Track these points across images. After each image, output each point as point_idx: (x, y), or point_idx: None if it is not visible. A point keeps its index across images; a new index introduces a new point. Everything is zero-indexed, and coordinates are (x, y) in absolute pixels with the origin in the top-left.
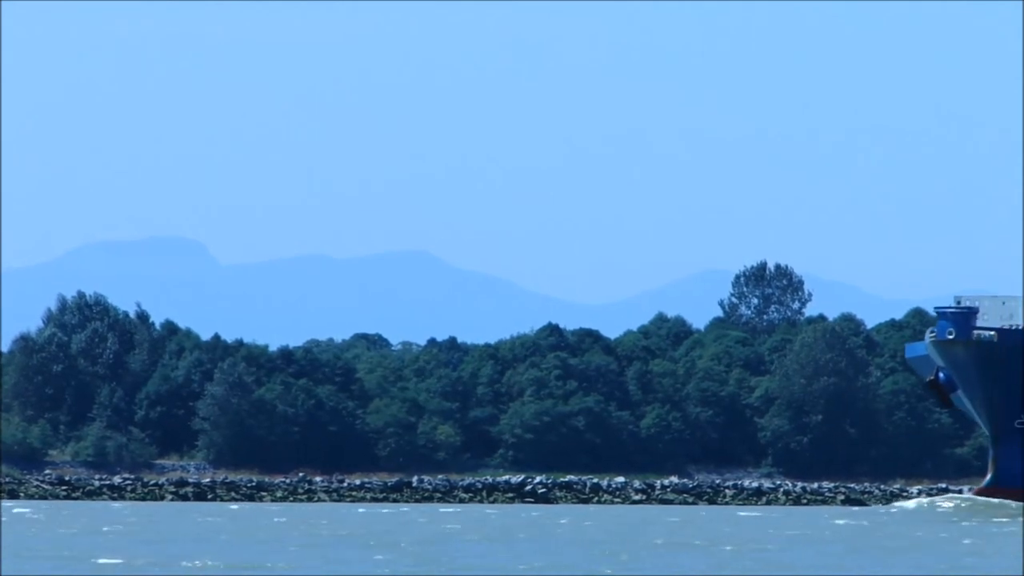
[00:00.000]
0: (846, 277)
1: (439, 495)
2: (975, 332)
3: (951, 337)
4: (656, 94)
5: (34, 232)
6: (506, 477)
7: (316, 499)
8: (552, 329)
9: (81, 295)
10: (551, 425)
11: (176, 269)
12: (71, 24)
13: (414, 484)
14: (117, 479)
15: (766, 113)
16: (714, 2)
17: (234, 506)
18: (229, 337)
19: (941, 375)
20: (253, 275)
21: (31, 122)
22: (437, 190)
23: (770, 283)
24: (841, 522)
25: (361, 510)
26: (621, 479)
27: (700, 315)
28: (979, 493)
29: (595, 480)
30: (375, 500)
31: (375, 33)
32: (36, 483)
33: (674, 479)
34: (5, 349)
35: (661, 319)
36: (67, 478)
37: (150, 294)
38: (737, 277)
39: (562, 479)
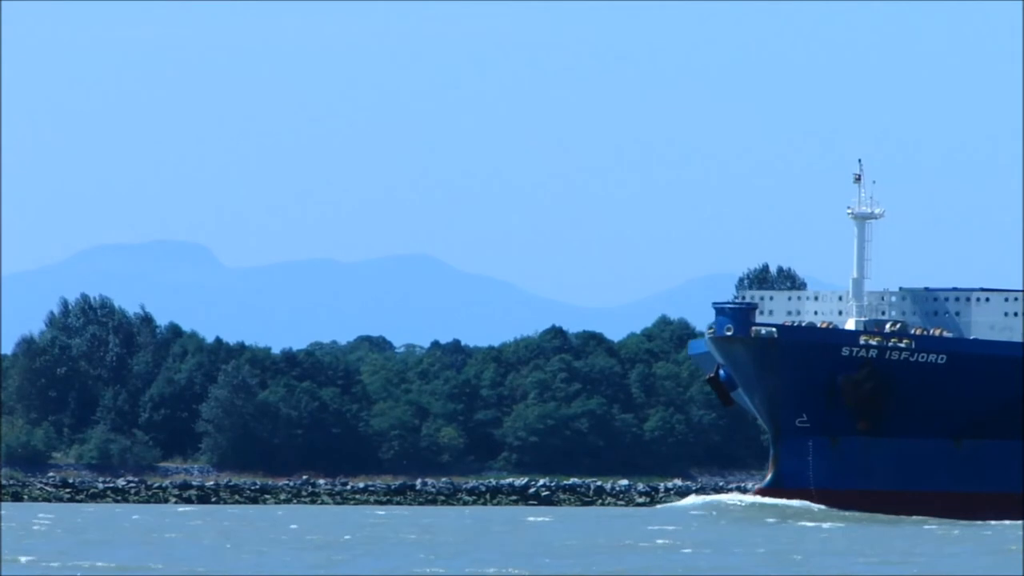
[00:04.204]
0: (848, 279)
1: (442, 498)
2: (754, 328)
3: (729, 333)
4: (658, 99)
5: (39, 235)
6: (510, 480)
7: (320, 502)
8: (556, 332)
9: (84, 298)
10: (554, 428)
11: (181, 272)
12: (77, 27)
13: (417, 487)
14: (121, 482)
15: (767, 117)
16: (716, 3)
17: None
18: (234, 341)
19: (721, 372)
20: (258, 278)
21: (37, 125)
22: (441, 194)
23: (773, 286)
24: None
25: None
26: (624, 482)
27: (703, 318)
28: (760, 493)
29: (598, 483)
30: (379, 503)
31: (380, 39)
32: (40, 486)
33: (677, 482)
34: (8, 352)
35: (664, 322)
36: (71, 481)
37: (155, 297)
38: (740, 280)
39: (565, 482)
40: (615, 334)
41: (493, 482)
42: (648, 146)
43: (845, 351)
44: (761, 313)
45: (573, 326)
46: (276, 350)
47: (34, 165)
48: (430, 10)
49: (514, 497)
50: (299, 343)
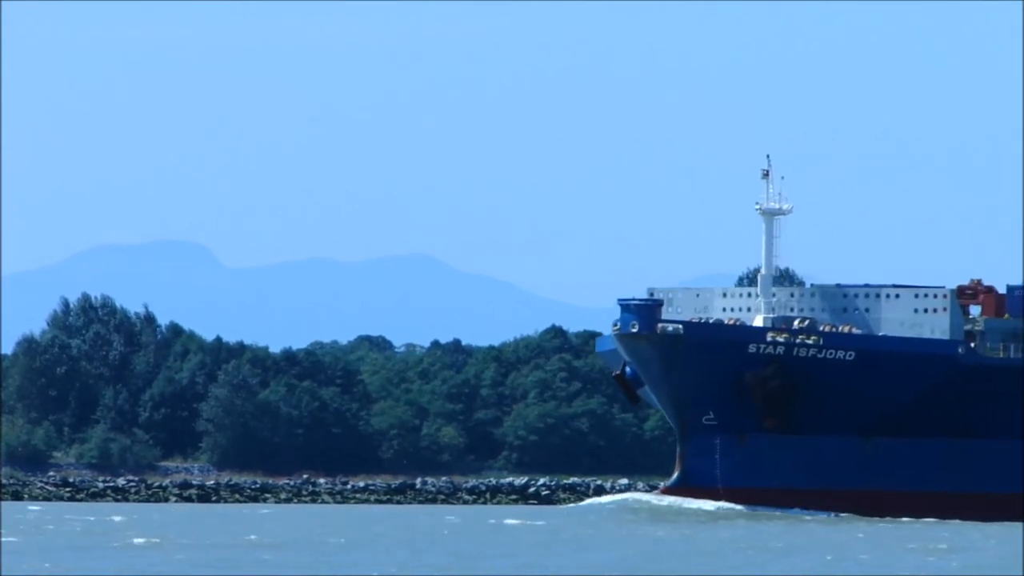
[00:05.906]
0: (848, 278)
1: (442, 497)
2: (660, 325)
3: (635, 330)
4: (658, 99)
5: (40, 235)
6: (510, 479)
7: (320, 501)
8: (556, 331)
9: (85, 297)
10: (554, 427)
11: (181, 272)
12: (77, 27)
13: (417, 486)
14: (121, 481)
15: (762, 116)
16: (718, 4)
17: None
18: (234, 341)
19: (628, 369)
20: (258, 278)
21: (37, 125)
22: (441, 194)
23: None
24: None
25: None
26: (625, 481)
27: None
28: (666, 492)
29: (599, 482)
30: (379, 502)
31: (380, 39)
32: (40, 485)
33: None
34: (8, 352)
35: None
36: (71, 480)
37: (155, 297)
38: (740, 280)
39: (565, 481)
40: None
41: (493, 481)
42: (647, 146)
43: (752, 348)
44: (669, 310)
45: (573, 326)
46: (276, 350)
47: (34, 165)
48: (430, 10)
49: (514, 496)
50: (299, 343)
